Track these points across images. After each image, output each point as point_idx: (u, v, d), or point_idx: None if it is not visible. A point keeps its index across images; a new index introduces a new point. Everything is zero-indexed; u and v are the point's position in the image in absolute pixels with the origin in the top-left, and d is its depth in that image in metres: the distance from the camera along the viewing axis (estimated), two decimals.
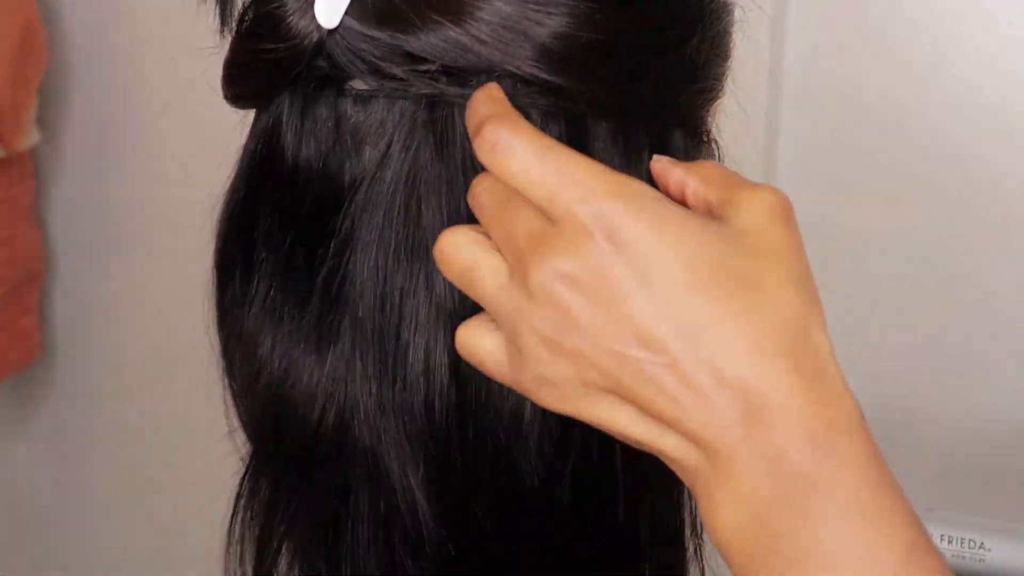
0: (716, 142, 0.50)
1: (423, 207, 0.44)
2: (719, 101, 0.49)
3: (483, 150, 0.42)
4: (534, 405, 0.44)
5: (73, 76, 1.41)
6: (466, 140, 0.44)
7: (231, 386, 0.50)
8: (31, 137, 1.36)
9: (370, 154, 0.45)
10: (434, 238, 0.43)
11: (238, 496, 0.50)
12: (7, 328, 1.37)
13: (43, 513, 1.55)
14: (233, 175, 0.49)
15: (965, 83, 1.04)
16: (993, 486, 1.07)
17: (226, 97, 0.48)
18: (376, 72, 0.44)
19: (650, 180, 0.44)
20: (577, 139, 0.44)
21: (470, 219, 0.43)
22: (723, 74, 0.49)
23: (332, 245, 0.45)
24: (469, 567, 0.47)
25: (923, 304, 1.11)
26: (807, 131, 1.12)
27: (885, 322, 1.13)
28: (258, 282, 0.47)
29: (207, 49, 0.48)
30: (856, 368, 1.18)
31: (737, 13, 0.50)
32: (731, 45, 0.49)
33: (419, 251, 0.44)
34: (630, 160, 0.45)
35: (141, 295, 1.42)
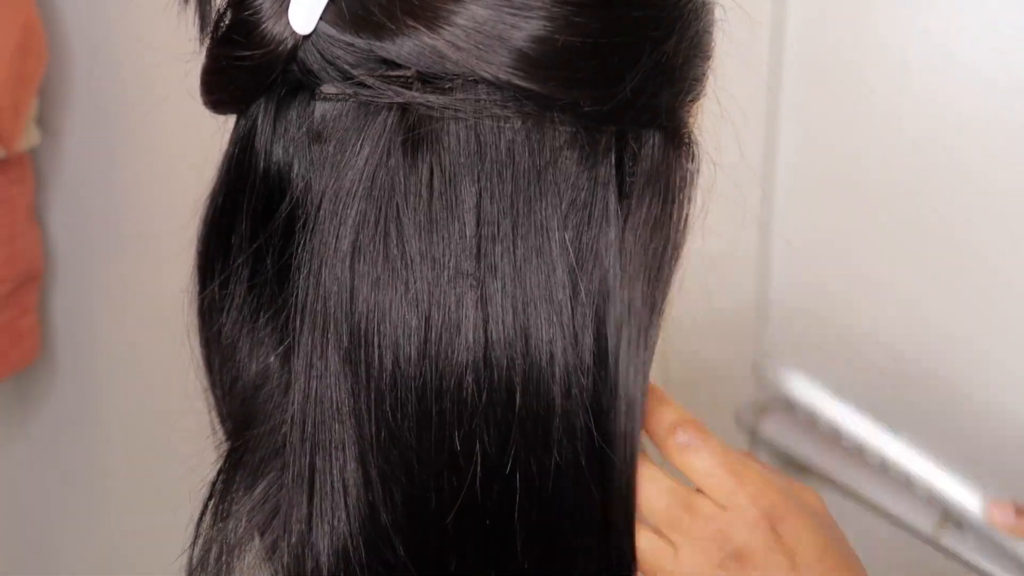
0: (696, 143, 0.50)
1: (391, 215, 0.44)
2: (700, 102, 0.49)
3: (673, 449, 0.53)
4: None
5: (73, 76, 1.41)
6: (436, 150, 0.44)
7: (212, 389, 0.51)
8: (31, 137, 1.36)
9: (338, 160, 0.45)
10: (403, 248, 0.43)
11: (208, 497, 0.51)
12: (7, 328, 1.37)
13: (43, 513, 1.55)
14: (214, 179, 0.49)
15: (966, 84, 1.04)
16: None
17: (205, 103, 0.48)
18: (348, 78, 0.44)
19: (618, 183, 0.45)
20: (539, 142, 0.44)
21: (434, 225, 0.43)
22: (704, 75, 0.49)
23: (300, 252, 0.45)
24: (422, 564, 0.47)
25: (924, 306, 1.11)
26: (807, 133, 1.12)
27: (886, 323, 1.13)
28: (235, 287, 0.48)
29: (187, 54, 0.48)
30: (855, 369, 1.18)
31: (718, 12, 0.49)
32: (711, 44, 0.49)
33: (385, 257, 0.44)
34: (597, 162, 0.45)
35: (141, 295, 1.42)
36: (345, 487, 0.46)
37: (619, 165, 0.46)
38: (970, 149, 1.05)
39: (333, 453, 0.46)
